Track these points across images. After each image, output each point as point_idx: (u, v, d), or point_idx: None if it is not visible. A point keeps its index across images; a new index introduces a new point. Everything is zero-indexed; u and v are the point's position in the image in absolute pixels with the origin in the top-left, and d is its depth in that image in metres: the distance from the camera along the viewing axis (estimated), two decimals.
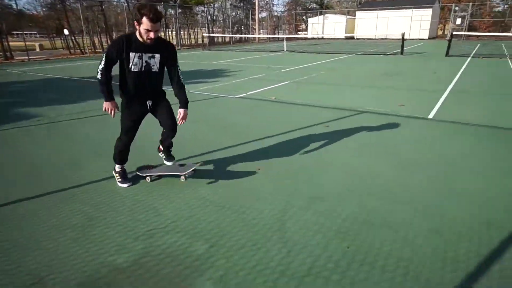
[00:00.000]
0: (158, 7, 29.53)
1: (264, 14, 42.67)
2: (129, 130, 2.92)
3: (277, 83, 8.78)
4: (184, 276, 1.94)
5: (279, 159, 3.68)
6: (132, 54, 2.60)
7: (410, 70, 11.02)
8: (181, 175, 3.10)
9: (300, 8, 49.62)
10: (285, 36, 23.59)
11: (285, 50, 20.36)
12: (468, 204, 2.68)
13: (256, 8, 35.89)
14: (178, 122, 2.92)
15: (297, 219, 2.51)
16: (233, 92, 7.53)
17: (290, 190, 2.97)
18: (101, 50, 23.57)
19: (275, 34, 39.32)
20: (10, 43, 19.16)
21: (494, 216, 2.51)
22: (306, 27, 43.43)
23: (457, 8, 35.86)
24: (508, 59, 13.77)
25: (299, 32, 44.15)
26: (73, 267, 2.02)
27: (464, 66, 11.53)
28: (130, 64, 2.63)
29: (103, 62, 2.62)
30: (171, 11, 28.78)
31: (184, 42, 29.30)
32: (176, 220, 2.52)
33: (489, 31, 34.32)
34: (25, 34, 21.07)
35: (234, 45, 28.82)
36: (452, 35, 15.61)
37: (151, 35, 2.50)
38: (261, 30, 39.80)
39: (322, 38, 37.57)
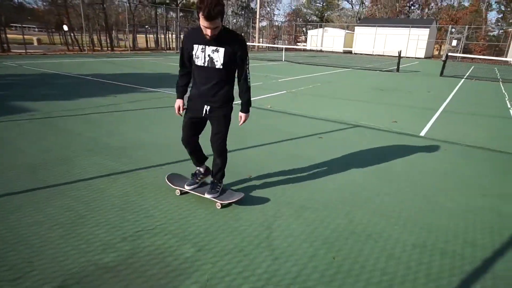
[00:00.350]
0: (159, 9, 29.71)
1: (264, 23, 43.22)
2: (185, 126, 2.69)
3: (274, 92, 8.86)
4: (170, 278, 1.95)
5: (271, 167, 3.71)
6: (196, 46, 2.38)
7: (405, 87, 11.21)
8: (218, 202, 2.77)
9: (301, 19, 50.30)
10: (284, 46, 23.86)
11: (283, 60, 20.56)
12: (453, 219, 2.74)
13: (257, 16, 36.29)
14: (239, 124, 2.71)
15: (286, 228, 2.54)
16: None
17: (280, 199, 3.00)
18: (99, 48, 23.54)
19: (274, 43, 39.72)
20: (8, 36, 19.04)
21: (476, 233, 2.57)
22: (306, 38, 43.96)
23: (453, 30, 36.67)
24: (500, 82, 14.10)
25: (298, 43, 44.65)
26: (58, 264, 2.01)
27: (457, 87, 11.77)
28: (194, 57, 2.41)
29: (179, 61, 2.60)
30: (172, 14, 28.93)
31: None
32: (165, 222, 2.53)
33: (483, 54, 35.10)
34: (24, 27, 20.96)
35: None
36: (447, 56, 15.93)
37: (209, 32, 2.21)
38: (261, 39, 40.17)
39: (321, 50, 38.05)
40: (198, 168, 2.96)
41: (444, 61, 15.61)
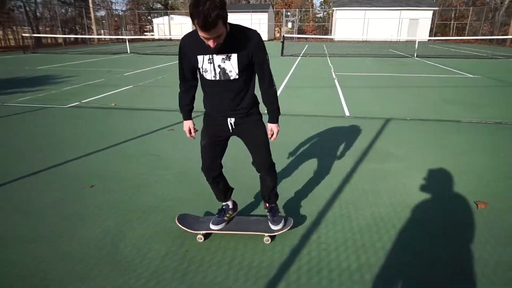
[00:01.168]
0: None
1: (102, 13, 39.27)
2: (204, 150, 2.20)
3: (119, 88, 8.21)
4: None
5: (114, 172, 3.43)
6: (200, 58, 1.89)
7: None
8: (266, 235, 2.32)
9: (144, 7, 47.87)
10: (128, 37, 22.30)
11: (129, 52, 19.26)
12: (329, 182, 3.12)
13: (91, 5, 32.68)
14: (270, 139, 2.19)
15: (133, 233, 2.39)
16: (63, 101, 6.62)
17: (123, 204, 2.80)
18: None
19: (118, 35, 36.73)
20: None
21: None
22: (153, 27, 42.26)
23: (288, 13, 41.49)
24: (328, 57, 16.77)
25: (145, 33, 42.56)
26: None
27: (295, 64, 13.43)
28: (201, 71, 1.94)
29: (179, 75, 2.08)
30: None
31: None
32: None
33: (314, 34, 41.04)
34: None
35: (68, 47, 25.48)
36: (284, 37, 17.93)
37: (211, 43, 1.72)
38: (102, 31, 36.52)
39: (170, 39, 37.32)
40: (225, 203, 2.43)
41: (282, 42, 17.53)
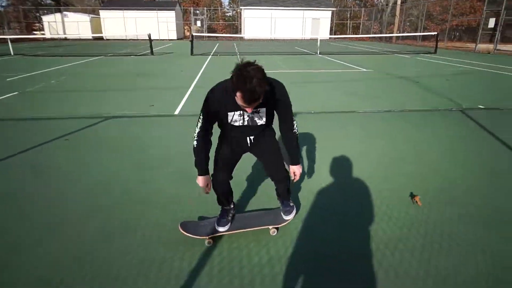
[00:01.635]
0: None
1: None
2: (222, 160, 2.23)
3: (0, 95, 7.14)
4: None
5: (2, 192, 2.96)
6: (231, 113, 1.98)
7: (161, 69, 11.68)
8: (271, 227, 2.43)
9: (30, 3, 42.40)
10: (10, 37, 19.46)
11: (12, 53, 16.89)
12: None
13: None
14: (293, 180, 2.29)
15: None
16: None
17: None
18: None
19: None
20: None
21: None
22: (43, 26, 37.75)
23: (197, 12, 41.08)
24: (238, 56, 17.08)
25: (34, 32, 37.80)
26: None
27: (205, 64, 13.37)
28: (230, 120, 2.01)
29: (198, 127, 2.04)
30: None
31: None
32: None
33: (224, 33, 41.43)
34: None
35: None
36: (193, 36, 17.71)
37: (249, 110, 1.83)
38: None
39: (65, 39, 33.86)
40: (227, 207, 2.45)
41: (191, 41, 17.29)
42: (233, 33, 39.99)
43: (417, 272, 2.06)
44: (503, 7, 18.56)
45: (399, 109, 6.08)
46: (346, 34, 38.97)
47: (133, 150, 4.03)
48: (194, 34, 18.25)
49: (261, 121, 2.04)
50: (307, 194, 3.01)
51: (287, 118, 2.12)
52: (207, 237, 2.31)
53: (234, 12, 49.74)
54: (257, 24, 35.67)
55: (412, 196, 2.92)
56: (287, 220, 2.47)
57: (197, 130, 2.04)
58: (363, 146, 4.21)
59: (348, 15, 42.80)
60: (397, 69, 11.97)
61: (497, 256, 2.19)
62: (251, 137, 2.14)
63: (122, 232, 2.43)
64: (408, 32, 31.50)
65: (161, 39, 34.33)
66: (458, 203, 2.85)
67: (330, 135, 4.61)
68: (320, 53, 18.10)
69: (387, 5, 37.16)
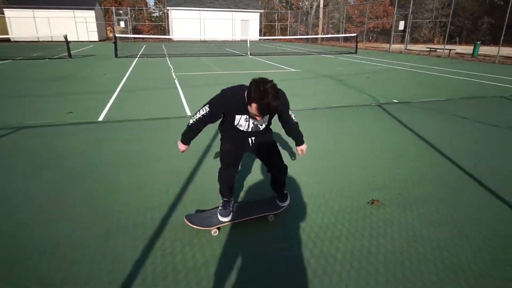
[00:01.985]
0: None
1: None
2: (226, 159, 2.46)
3: None
4: None
5: None
6: (238, 116, 2.23)
7: (80, 73, 10.87)
8: (270, 214, 2.67)
9: None
10: None
11: None
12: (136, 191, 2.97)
13: None
14: (301, 155, 2.66)
15: None
16: None
17: None
18: None
19: None
20: None
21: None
22: None
23: (121, 12, 39.03)
24: (167, 57, 16.64)
25: None
26: None
27: (132, 66, 12.79)
28: (235, 124, 2.27)
29: (202, 113, 2.25)
30: None
31: None
32: None
33: (151, 34, 40.03)
34: None
35: None
36: (116, 37, 16.80)
37: (258, 118, 2.10)
38: None
39: None
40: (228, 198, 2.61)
41: (115, 43, 16.40)
42: (160, 34, 38.78)
43: (343, 255, 2.23)
44: (410, 11, 20.84)
45: (325, 106, 6.49)
46: (275, 35, 40.31)
47: (46, 163, 3.71)
48: (117, 35, 17.31)
49: (263, 126, 2.35)
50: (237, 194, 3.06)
51: (289, 117, 2.43)
52: (213, 228, 2.48)
53: (161, 12, 48.31)
54: (185, 25, 35.09)
55: (372, 202, 2.93)
56: (284, 206, 2.72)
57: (199, 116, 2.26)
58: (292, 143, 4.40)
59: (276, 17, 44.32)
60: (323, 68, 12.74)
61: (405, 228, 2.48)
62: (253, 138, 2.41)
63: (34, 252, 2.23)
64: (331, 34, 33.70)
65: (80, 41, 31.95)
66: (377, 188, 3.14)
67: None
68: (251, 54, 18.47)
69: (311, 8, 39.32)
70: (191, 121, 2.31)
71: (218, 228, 2.50)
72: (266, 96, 1.92)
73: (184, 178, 3.34)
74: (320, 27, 35.01)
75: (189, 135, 2.37)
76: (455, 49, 19.72)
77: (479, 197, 3.01)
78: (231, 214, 2.55)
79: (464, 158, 3.86)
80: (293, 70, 12.21)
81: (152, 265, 2.14)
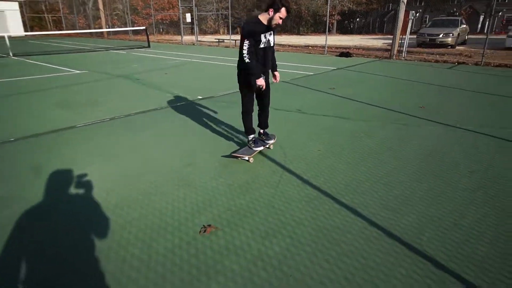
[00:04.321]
0: None
1: None
2: (247, 101, 3.76)
3: None
4: None
5: None
6: (262, 36, 3.39)
7: None
8: (269, 143, 4.07)
9: None
10: None
11: None
12: None
13: None
14: (276, 81, 3.92)
15: None
16: None
17: None
18: None
19: None
20: None
21: None
22: None
23: None
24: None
25: None
26: None
27: None
28: (260, 44, 3.42)
29: (246, 46, 3.32)
30: None
31: None
32: None
33: None
34: None
35: None
36: None
37: (280, 22, 3.35)
38: None
39: None
40: (252, 135, 3.94)
41: None
42: None
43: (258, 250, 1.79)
44: (193, 3, 21.78)
45: (124, 114, 5.74)
46: (47, 30, 34.46)
47: None
48: None
49: (271, 43, 3.55)
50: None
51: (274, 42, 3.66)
52: (250, 157, 3.72)
53: None
54: None
55: (205, 229, 2.53)
56: (272, 143, 4.10)
57: (246, 49, 3.33)
58: (95, 167, 3.58)
59: (44, 8, 37.99)
60: (115, 67, 11.61)
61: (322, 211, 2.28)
62: (263, 77, 3.55)
63: None
64: (118, 27, 31.62)
65: None
66: (203, 209, 2.83)
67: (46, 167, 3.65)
68: (15, 55, 14.99)
69: None
70: (247, 59, 3.35)
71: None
72: (289, 1, 3.33)
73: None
74: (103, 19, 32.27)
75: (258, 69, 3.44)
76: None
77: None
78: (262, 144, 3.92)
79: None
80: (78, 71, 10.56)
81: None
